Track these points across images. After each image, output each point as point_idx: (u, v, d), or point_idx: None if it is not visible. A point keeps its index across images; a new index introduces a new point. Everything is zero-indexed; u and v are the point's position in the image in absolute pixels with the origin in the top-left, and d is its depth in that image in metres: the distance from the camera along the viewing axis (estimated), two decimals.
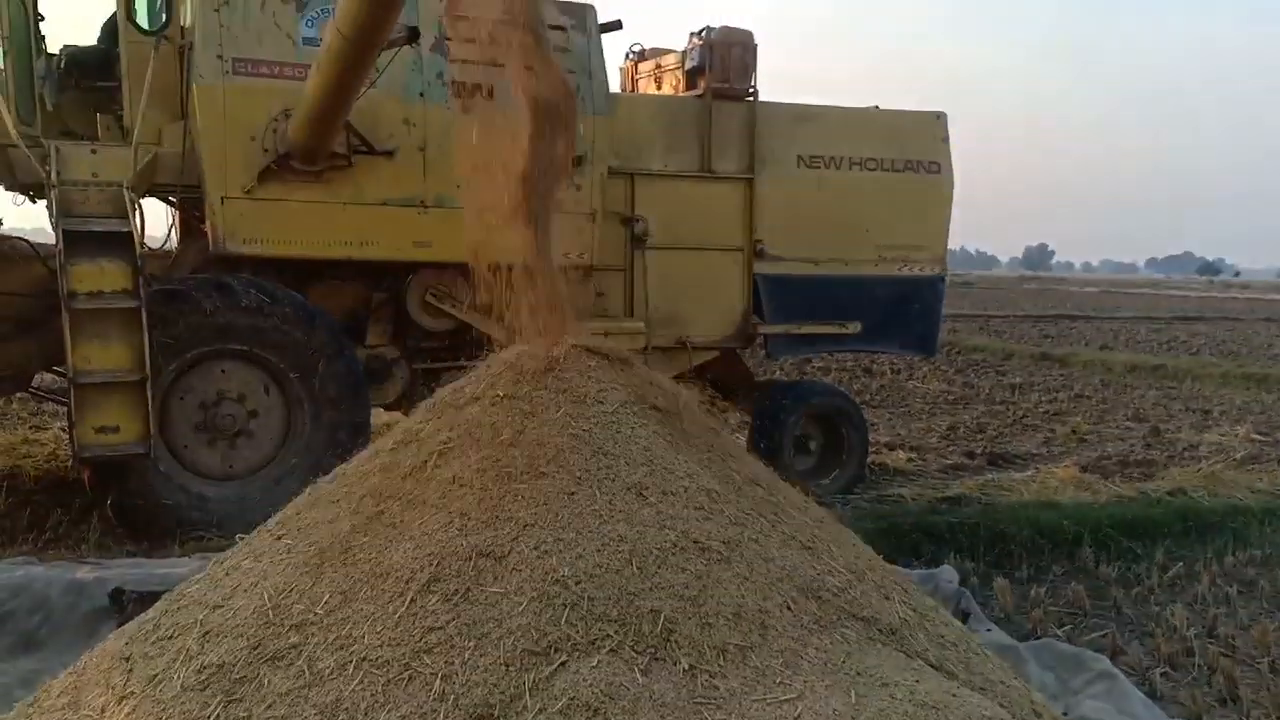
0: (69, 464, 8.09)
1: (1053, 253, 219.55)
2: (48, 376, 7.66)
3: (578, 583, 2.97)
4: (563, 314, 3.84)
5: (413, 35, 6.23)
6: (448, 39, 6.95)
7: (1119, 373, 17.71)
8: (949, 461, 9.95)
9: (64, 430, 9.20)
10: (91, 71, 7.33)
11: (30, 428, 9.78)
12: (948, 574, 5.61)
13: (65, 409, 8.58)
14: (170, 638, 3.24)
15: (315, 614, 3.06)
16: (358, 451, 6.72)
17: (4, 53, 6.84)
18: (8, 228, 7.24)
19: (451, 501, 3.28)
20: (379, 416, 7.73)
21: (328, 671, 2.90)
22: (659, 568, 3.06)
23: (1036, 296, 50.78)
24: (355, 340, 7.36)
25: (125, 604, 4.74)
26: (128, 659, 3.25)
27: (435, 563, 3.07)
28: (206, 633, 3.16)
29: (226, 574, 3.48)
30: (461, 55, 4.28)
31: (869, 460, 9.19)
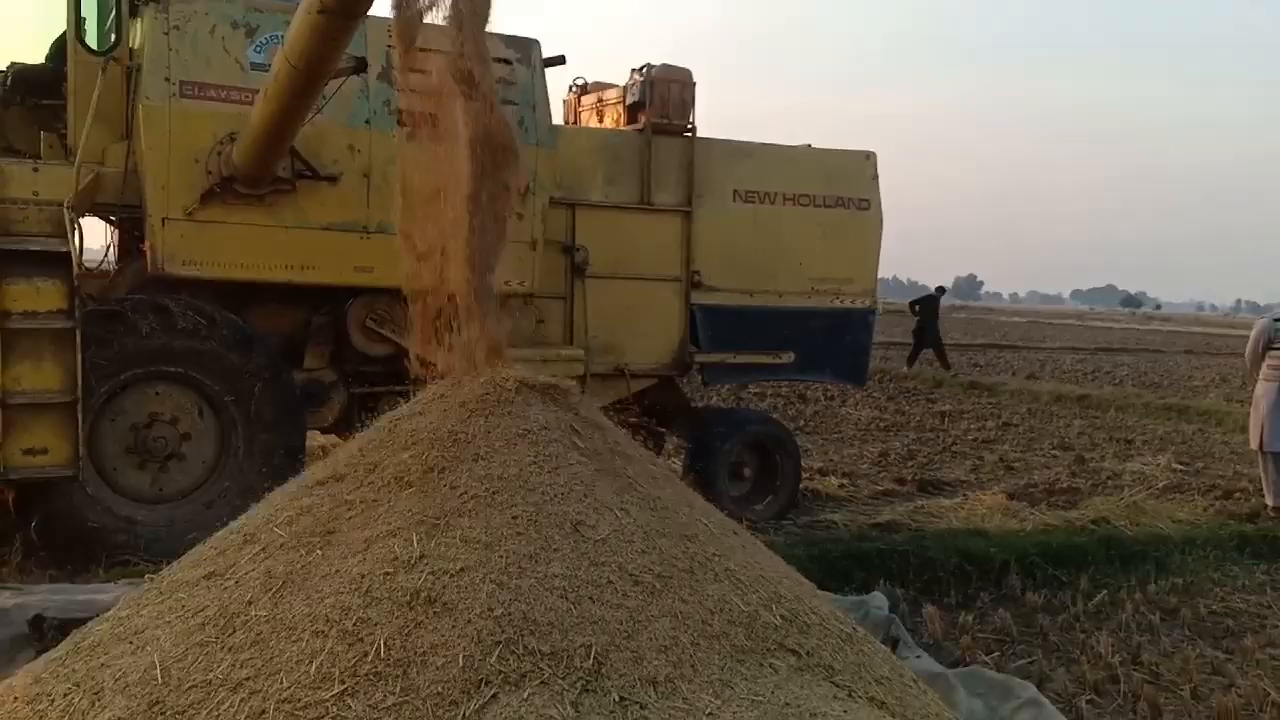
0: None
1: (981, 283, 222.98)
2: None
3: (510, 621, 3.01)
4: (498, 346, 3.92)
5: (359, 66, 6.29)
6: (394, 69, 7.06)
7: (1045, 401, 18.11)
8: (880, 487, 10.11)
9: None
10: (38, 89, 7.31)
11: None
12: (878, 600, 5.66)
13: None
14: (73, 686, 3.23)
15: (234, 658, 3.06)
16: (291, 475, 6.78)
17: None
18: None
19: (382, 540, 3.30)
20: (314, 439, 7.75)
21: (248, 716, 2.90)
22: (592, 603, 3.11)
23: (966, 326, 51.52)
24: (293, 363, 7.35)
25: (46, 631, 4.65)
26: (32, 701, 3.25)
27: (362, 605, 3.09)
28: (110, 683, 3.14)
29: (141, 615, 3.47)
30: (409, 86, 4.35)
31: (802, 486, 9.34)
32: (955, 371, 22.43)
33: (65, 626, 4.30)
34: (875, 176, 9.22)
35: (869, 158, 9.26)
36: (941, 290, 26.57)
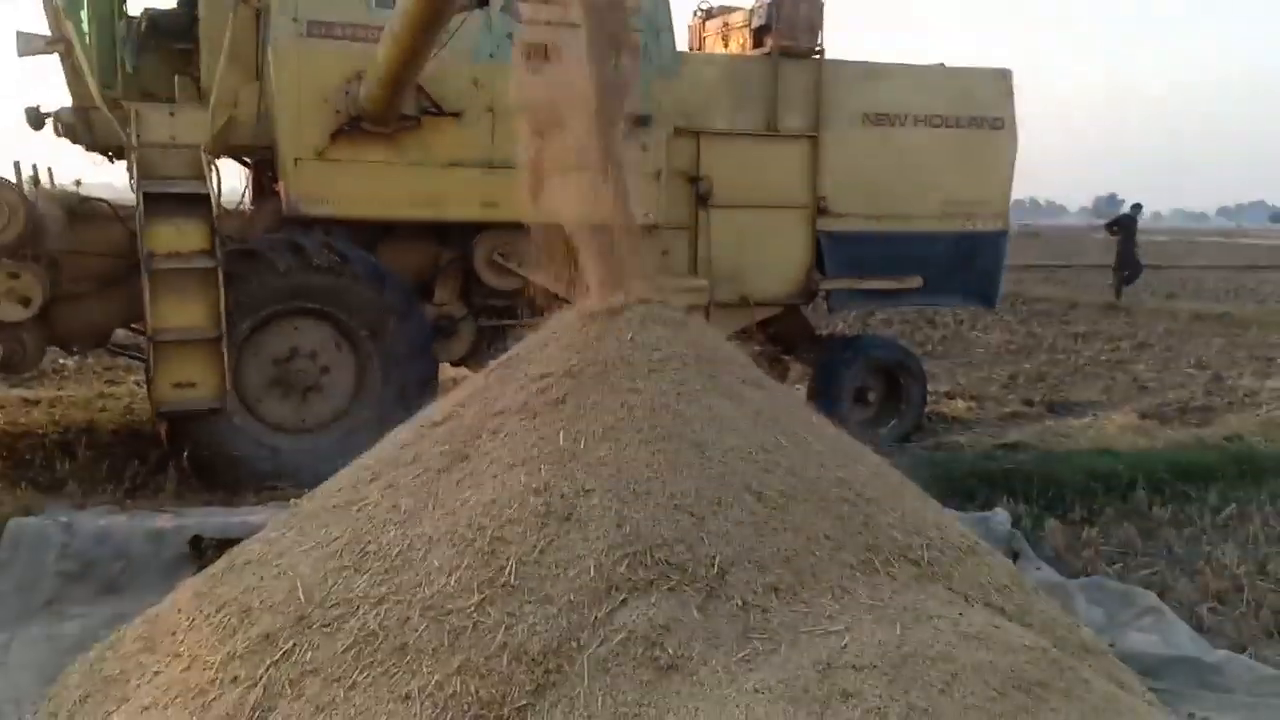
0: (144, 417, 8.36)
1: (1122, 202, 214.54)
2: (122, 332, 7.83)
3: (638, 535, 3.16)
4: (629, 269, 3.99)
5: (480, 0, 6.36)
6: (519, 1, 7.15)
7: (1184, 321, 17.55)
8: (1008, 409, 10.05)
9: (139, 385, 9.41)
10: (171, 34, 7.47)
11: (105, 382, 10.04)
12: (1000, 517, 5.78)
13: (141, 364, 8.88)
14: (225, 604, 3.46)
15: (371, 579, 3.25)
16: (425, 405, 7.12)
17: (88, 18, 6.99)
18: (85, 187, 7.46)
19: (520, 460, 3.46)
20: (445, 371, 7.89)
21: (393, 623, 3.09)
22: (716, 518, 3.24)
23: (1105, 246, 50.01)
24: (423, 298, 7.52)
25: (204, 550, 4.96)
26: (190, 616, 3.51)
27: (502, 518, 3.26)
28: (256, 603, 3.37)
29: (284, 539, 3.69)
30: (530, 15, 4.45)
31: (928, 410, 9.33)
32: (1126, 305, 20.36)
33: (222, 546, 4.56)
34: (1010, 94, 8.99)
35: (1004, 75, 9.04)
36: (1138, 208, 24.20)
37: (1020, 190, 10.39)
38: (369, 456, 3.99)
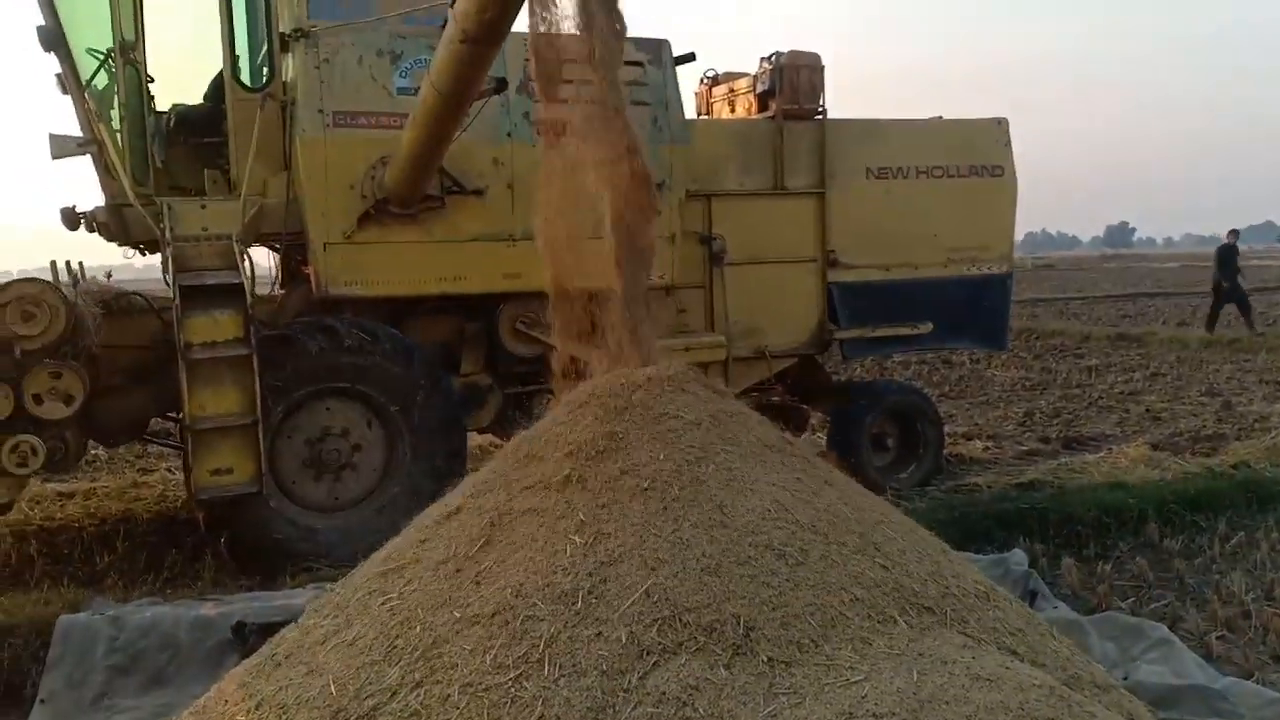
0: (179, 505, 8.51)
1: (1134, 230, 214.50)
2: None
3: (666, 600, 3.28)
4: (646, 339, 4.16)
5: (500, 86, 6.57)
6: (531, 81, 7.51)
7: (1195, 349, 17.71)
8: (1024, 448, 10.22)
9: (171, 472, 9.66)
10: (199, 128, 7.70)
11: (137, 470, 10.08)
12: (1017, 558, 5.94)
13: (172, 451, 8.92)
14: (261, 702, 3.53)
15: (404, 670, 3.34)
16: (455, 476, 7.25)
17: (120, 118, 7.25)
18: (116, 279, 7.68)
19: (544, 538, 3.57)
20: (472, 439, 8.05)
21: (434, 701, 3.19)
22: (739, 578, 3.37)
23: (1117, 275, 50.20)
24: (450, 369, 7.69)
25: (248, 636, 5.03)
26: (232, 714, 3.58)
27: (531, 598, 3.37)
28: (291, 700, 3.45)
29: (329, 614, 3.80)
30: (546, 98, 4.69)
31: (947, 451, 9.48)
32: (1262, 331, 19.85)
33: (264, 631, 4.70)
34: (1008, 143, 9.27)
35: (1000, 124, 9.32)
36: (1235, 234, 22.54)
37: (1031, 222, 10.74)
38: (393, 547, 4.06)
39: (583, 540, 3.55)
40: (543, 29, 4.34)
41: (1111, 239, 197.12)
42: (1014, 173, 9.30)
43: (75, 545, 7.28)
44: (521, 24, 5.40)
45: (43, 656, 5.02)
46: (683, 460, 3.75)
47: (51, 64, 7.17)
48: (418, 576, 3.75)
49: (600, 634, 3.29)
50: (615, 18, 4.18)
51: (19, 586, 6.31)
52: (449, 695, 3.23)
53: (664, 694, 3.12)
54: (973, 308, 9.30)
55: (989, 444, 10.40)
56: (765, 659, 3.23)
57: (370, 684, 3.38)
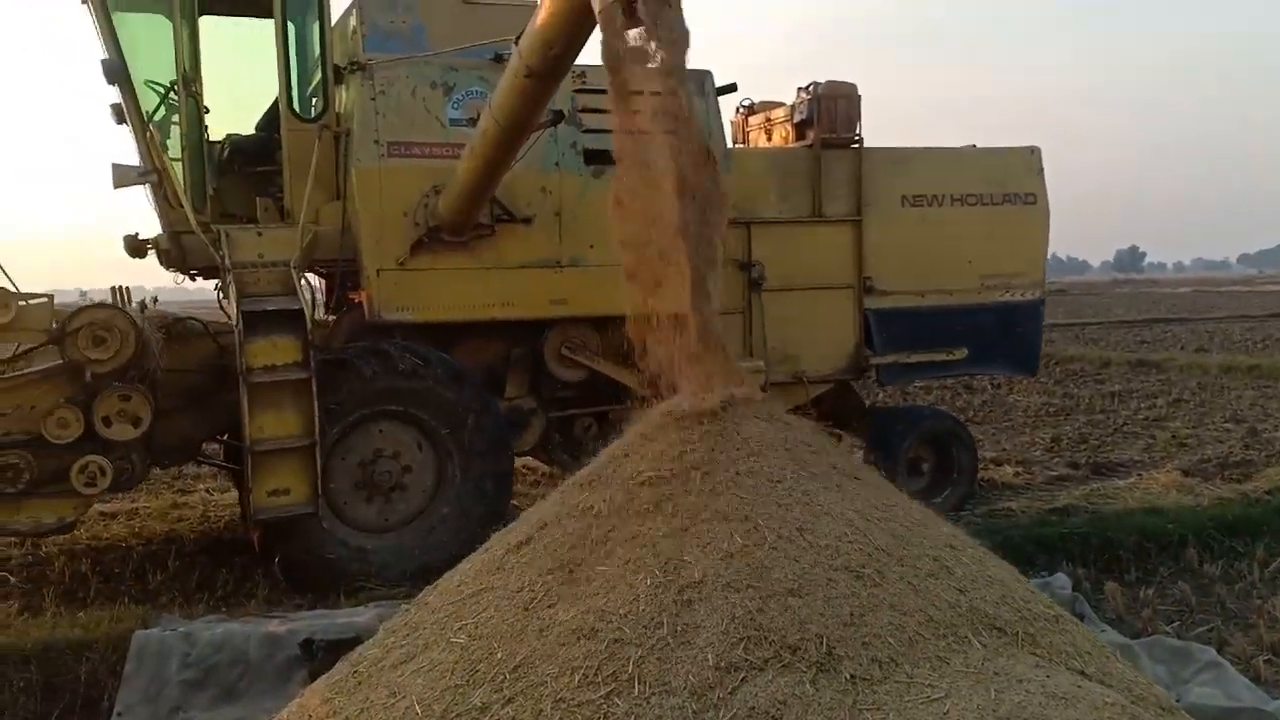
0: (222, 525, 8.69)
1: (1144, 254, 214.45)
2: None
3: (751, 620, 3.37)
4: (722, 364, 4.19)
5: (558, 118, 6.77)
6: (580, 111, 7.58)
7: (1215, 375, 17.77)
8: (1054, 473, 10.29)
9: (210, 493, 9.83)
10: (252, 157, 7.89)
11: (176, 491, 10.18)
12: (1061, 581, 6.02)
13: (210, 472, 9.13)
14: (354, 713, 3.62)
15: (502, 674, 3.43)
16: (502, 499, 7.18)
17: (181, 148, 7.42)
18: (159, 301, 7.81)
19: (628, 563, 3.65)
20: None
21: (528, 715, 3.27)
22: (820, 598, 3.46)
23: (1130, 300, 50.30)
24: (495, 392, 7.80)
25: (315, 653, 5.17)
26: None
27: (618, 621, 3.45)
28: (390, 698, 3.56)
29: (406, 635, 3.88)
30: (620, 126, 4.75)
31: (978, 477, 9.59)
32: None
33: (331, 648, 4.89)
34: (1040, 171, 9.41)
35: (1033, 152, 9.46)
36: None
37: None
38: (463, 574, 4.12)
39: (664, 565, 3.63)
40: (612, 58, 4.42)
41: (1122, 263, 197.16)
42: (1046, 200, 9.44)
43: (125, 564, 7.43)
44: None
45: (119, 671, 5.15)
46: (762, 484, 3.84)
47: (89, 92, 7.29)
48: (493, 604, 3.82)
49: (687, 654, 3.37)
50: (680, 30, 4.29)
51: (76, 604, 6.45)
52: (541, 710, 3.31)
53: (753, 708, 3.20)
54: (1005, 333, 9.42)
55: (1019, 469, 10.48)
56: (848, 676, 3.31)
57: (456, 705, 3.45)
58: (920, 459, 9.15)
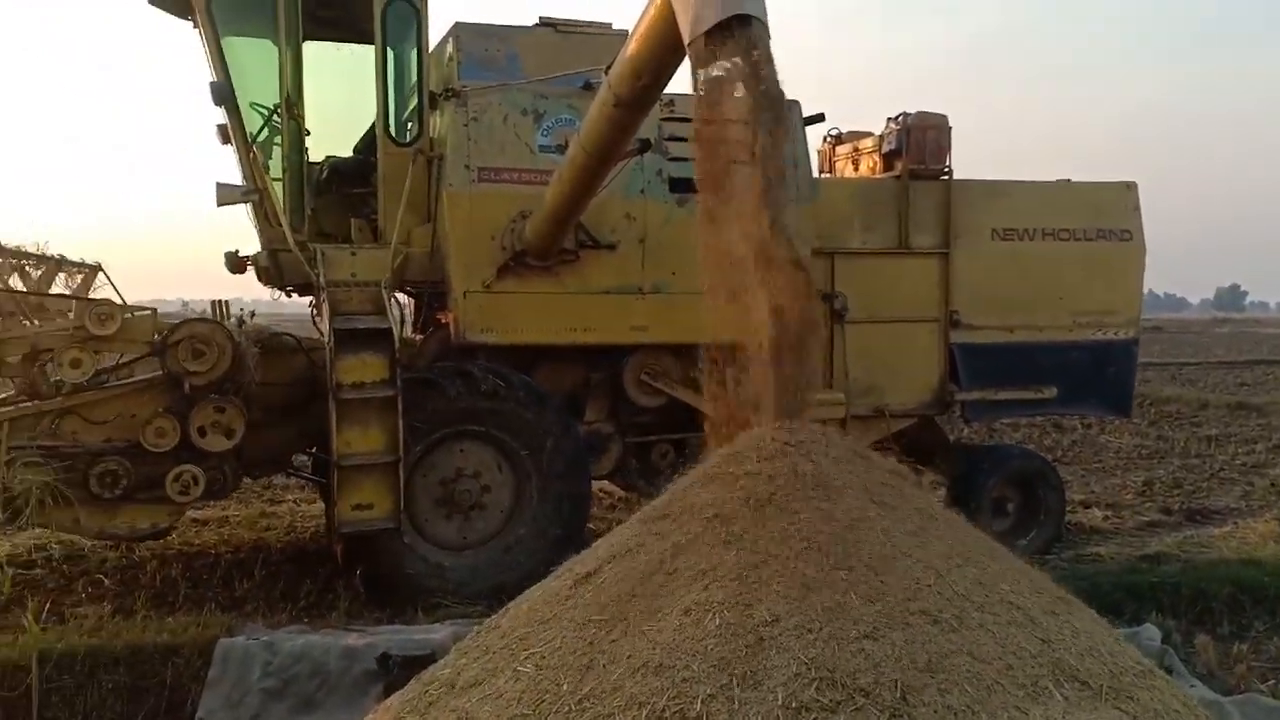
0: (308, 535, 8.87)
1: (1245, 293, 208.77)
2: None
3: (823, 662, 3.31)
4: (804, 398, 4.17)
5: (645, 146, 6.84)
6: (667, 140, 7.63)
7: None
8: (1146, 519, 10.04)
9: (298, 504, 10.05)
10: (349, 179, 8.10)
11: (265, 501, 10.40)
12: (1150, 632, 5.86)
13: (306, 483, 9.32)
14: None
15: (569, 705, 3.41)
16: (579, 521, 7.21)
17: (283, 169, 7.67)
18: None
19: (699, 597, 3.60)
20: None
21: None
22: (895, 642, 3.39)
23: (1230, 341, 48.98)
24: (574, 416, 7.87)
25: (391, 667, 5.27)
26: None
27: (688, 656, 3.40)
28: None
29: (476, 658, 3.88)
30: (705, 156, 4.75)
31: (1065, 519, 9.39)
32: None
33: (406, 663, 4.97)
34: (1137, 207, 9.24)
35: (1130, 188, 9.29)
36: None
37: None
38: (532, 603, 4.13)
39: (736, 602, 3.59)
40: (703, 91, 4.42)
41: (1222, 302, 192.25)
42: (1143, 237, 9.25)
43: (214, 571, 7.59)
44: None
45: (203, 676, 5.30)
46: (839, 523, 3.79)
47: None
48: (561, 634, 3.81)
49: (756, 695, 3.32)
50: (768, 66, 4.28)
51: (165, 607, 6.62)
52: None
53: None
54: (1098, 373, 9.23)
55: (1108, 513, 10.24)
56: None
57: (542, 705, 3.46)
58: (1005, 499, 8.99)
